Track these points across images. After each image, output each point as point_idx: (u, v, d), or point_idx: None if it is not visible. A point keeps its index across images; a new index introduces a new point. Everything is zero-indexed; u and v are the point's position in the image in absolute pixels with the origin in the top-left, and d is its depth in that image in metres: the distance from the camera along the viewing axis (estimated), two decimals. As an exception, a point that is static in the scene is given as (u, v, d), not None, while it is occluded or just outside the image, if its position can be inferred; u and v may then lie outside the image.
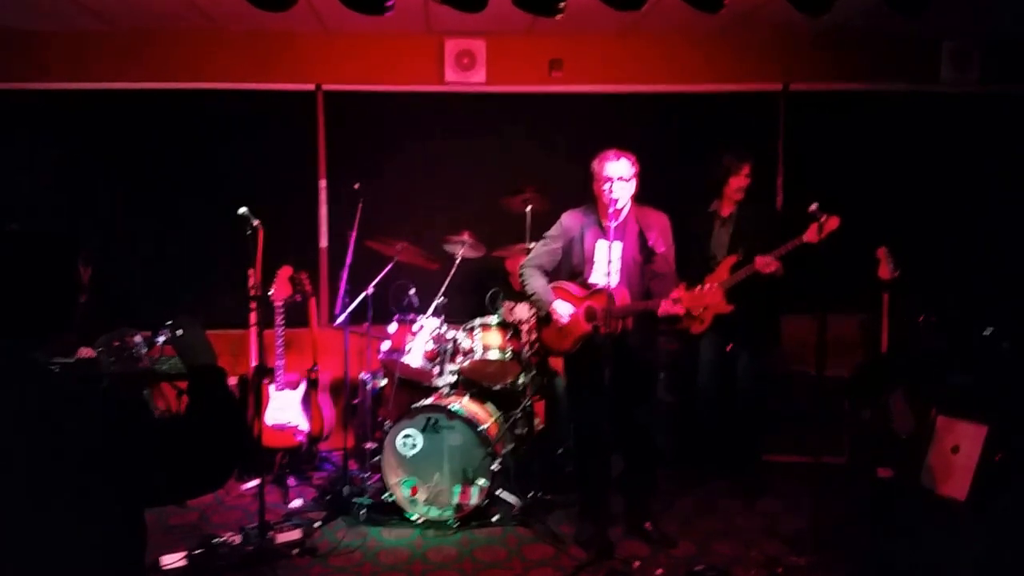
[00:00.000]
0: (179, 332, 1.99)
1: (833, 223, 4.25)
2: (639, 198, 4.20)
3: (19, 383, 1.61)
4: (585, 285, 4.21)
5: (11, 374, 1.62)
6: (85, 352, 4.45)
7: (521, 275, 4.36)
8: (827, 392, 5.01)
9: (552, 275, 4.35)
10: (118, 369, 3.75)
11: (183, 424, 1.89)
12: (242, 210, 4.23)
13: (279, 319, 4.96)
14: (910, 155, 6.10)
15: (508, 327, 4.87)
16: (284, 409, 4.97)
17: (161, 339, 4.72)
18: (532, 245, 4.52)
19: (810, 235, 4.38)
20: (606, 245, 4.02)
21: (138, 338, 3.81)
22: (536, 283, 4.27)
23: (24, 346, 1.67)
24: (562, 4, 3.75)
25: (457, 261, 5.10)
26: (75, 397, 1.62)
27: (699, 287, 3.85)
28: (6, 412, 1.56)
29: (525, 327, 4.93)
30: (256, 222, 4.28)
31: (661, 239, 4.13)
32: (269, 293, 4.92)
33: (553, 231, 4.34)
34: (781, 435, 5.34)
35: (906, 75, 6.13)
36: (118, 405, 1.66)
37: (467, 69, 5.92)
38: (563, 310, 4.16)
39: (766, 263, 4.53)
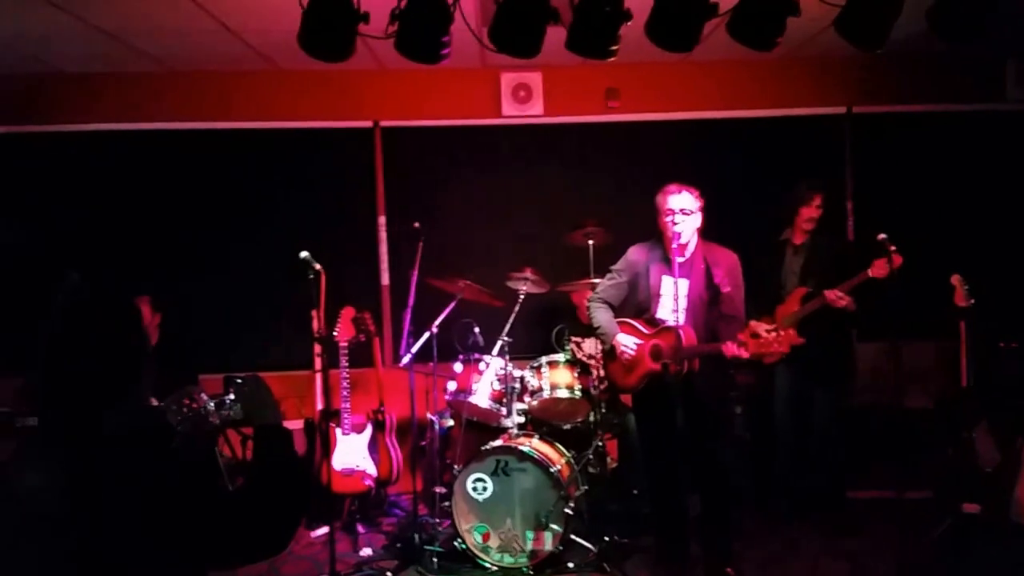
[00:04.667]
0: (246, 390, 2.02)
1: (897, 260, 4.26)
2: (705, 230, 4.09)
3: (86, 451, 1.63)
4: (652, 322, 4.10)
5: (77, 443, 1.64)
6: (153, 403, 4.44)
7: (588, 308, 4.30)
8: (907, 422, 4.83)
9: (619, 310, 4.27)
10: (187, 429, 3.71)
11: (248, 487, 1.91)
12: (304, 254, 4.17)
13: (343, 360, 4.90)
14: (979, 176, 5.94)
15: (576, 364, 4.77)
16: (352, 453, 4.89)
17: (229, 399, 4.75)
18: (597, 279, 4.43)
19: (877, 270, 4.36)
20: (672, 281, 3.91)
21: (205, 396, 3.77)
22: (602, 316, 4.21)
23: (93, 413, 1.68)
24: (614, 47, 3.69)
25: (521, 298, 5.02)
26: (140, 462, 1.65)
27: (767, 333, 3.70)
28: (71, 478, 1.59)
29: (594, 363, 4.83)
30: (318, 266, 4.23)
31: (728, 278, 3.99)
32: (333, 334, 4.87)
33: (619, 265, 4.27)
34: (862, 469, 5.16)
35: (971, 94, 6.01)
36: (184, 469, 1.70)
37: (524, 102, 5.89)
38: (627, 342, 4.06)
39: (837, 296, 4.45)
